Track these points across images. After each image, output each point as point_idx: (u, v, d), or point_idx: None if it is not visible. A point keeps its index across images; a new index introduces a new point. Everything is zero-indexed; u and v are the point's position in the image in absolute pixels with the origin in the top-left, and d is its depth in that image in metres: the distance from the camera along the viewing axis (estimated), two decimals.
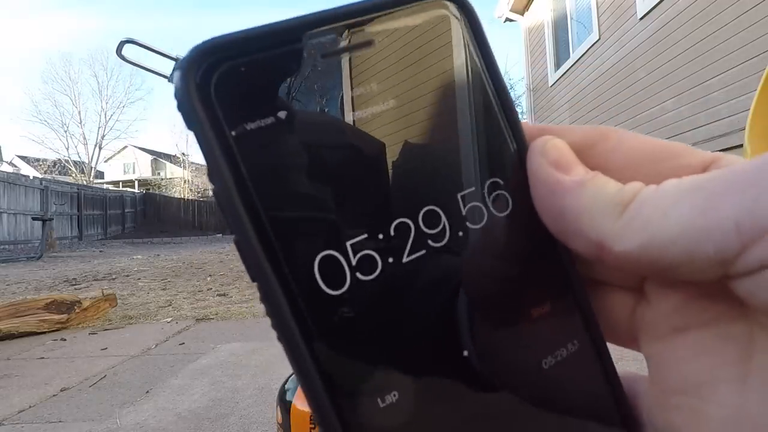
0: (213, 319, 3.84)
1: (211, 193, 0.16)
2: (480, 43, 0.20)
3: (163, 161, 36.38)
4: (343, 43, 0.18)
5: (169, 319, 3.88)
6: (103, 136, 31.78)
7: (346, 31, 0.18)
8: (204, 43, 0.16)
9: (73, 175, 29.78)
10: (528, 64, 9.35)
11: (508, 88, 0.21)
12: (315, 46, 0.17)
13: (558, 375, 0.19)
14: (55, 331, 3.63)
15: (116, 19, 64.04)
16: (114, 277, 6.52)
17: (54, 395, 2.39)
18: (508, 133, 0.20)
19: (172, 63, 1.29)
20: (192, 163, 32.00)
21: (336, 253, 0.17)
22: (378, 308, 0.17)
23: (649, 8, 5.17)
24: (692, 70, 4.54)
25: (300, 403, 0.79)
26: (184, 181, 31.37)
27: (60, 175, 28.76)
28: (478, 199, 0.19)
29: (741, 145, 1.24)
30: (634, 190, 0.17)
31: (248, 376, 2.49)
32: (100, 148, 31.74)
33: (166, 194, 27.86)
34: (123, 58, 1.33)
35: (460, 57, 0.20)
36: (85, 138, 31.91)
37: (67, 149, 31.79)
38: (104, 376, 2.62)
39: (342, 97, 0.18)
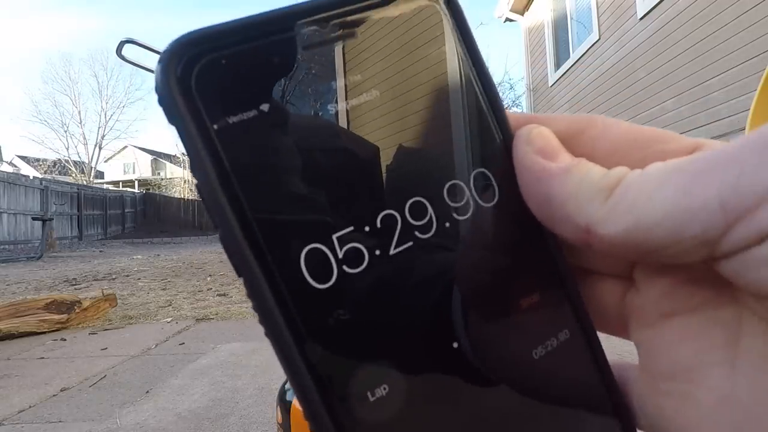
0: (213, 319, 3.83)
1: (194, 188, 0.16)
2: (464, 33, 0.20)
3: (163, 161, 36.35)
4: (325, 35, 0.17)
5: (169, 319, 3.88)
6: (103, 136, 31.76)
7: (330, 23, 0.17)
8: (185, 35, 0.16)
9: (73, 175, 29.72)
10: (528, 64, 9.34)
11: (496, 83, 0.21)
12: (296, 38, 0.17)
13: (549, 364, 0.19)
14: (55, 331, 3.63)
15: (116, 19, 64.15)
16: (114, 277, 6.51)
17: (54, 395, 2.39)
18: (494, 123, 0.20)
19: None
20: None
21: (322, 246, 0.16)
22: (366, 301, 0.17)
23: (649, 8, 5.17)
24: (692, 70, 4.54)
25: None
26: (184, 181, 31.30)
27: (60, 175, 28.71)
28: (464, 190, 0.19)
29: None
30: (620, 174, 0.17)
31: (248, 376, 2.49)
32: (100, 148, 31.71)
33: (166, 194, 27.80)
34: (123, 58, 1.34)
35: (446, 49, 0.20)
36: (85, 138, 31.90)
37: (67, 149, 31.81)
38: (104, 376, 2.62)
39: (326, 88, 0.18)
